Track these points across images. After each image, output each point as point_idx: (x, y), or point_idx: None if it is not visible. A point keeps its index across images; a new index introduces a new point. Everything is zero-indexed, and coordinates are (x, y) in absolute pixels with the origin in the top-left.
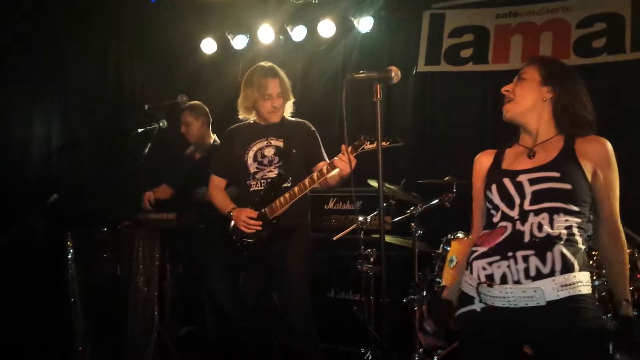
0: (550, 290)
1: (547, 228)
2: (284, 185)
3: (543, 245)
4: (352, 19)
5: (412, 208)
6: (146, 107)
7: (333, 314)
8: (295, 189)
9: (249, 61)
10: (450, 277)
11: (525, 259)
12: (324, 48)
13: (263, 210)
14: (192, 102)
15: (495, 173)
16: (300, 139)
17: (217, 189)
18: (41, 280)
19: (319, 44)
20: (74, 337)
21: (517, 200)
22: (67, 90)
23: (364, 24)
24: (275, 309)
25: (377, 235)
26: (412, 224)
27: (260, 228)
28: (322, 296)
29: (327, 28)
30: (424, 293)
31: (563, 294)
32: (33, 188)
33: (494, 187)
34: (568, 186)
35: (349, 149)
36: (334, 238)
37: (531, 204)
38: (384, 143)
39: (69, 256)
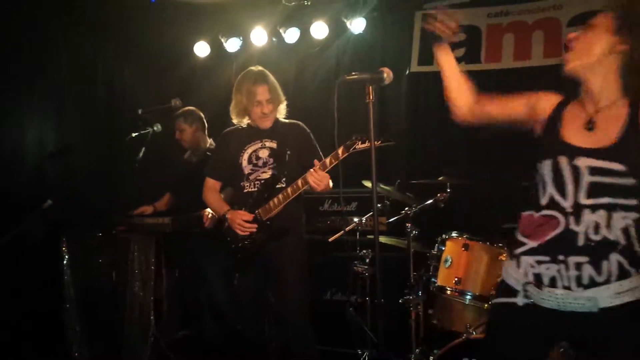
0: (604, 297)
1: (604, 231)
2: (277, 186)
3: (599, 252)
4: (345, 20)
5: (406, 208)
6: (140, 111)
7: (330, 316)
8: (289, 189)
9: (242, 64)
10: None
11: (579, 266)
12: (317, 49)
13: (257, 212)
14: (186, 108)
15: (552, 142)
16: (294, 140)
17: (212, 191)
18: (36, 285)
19: (312, 46)
20: (70, 343)
21: (571, 189)
22: (61, 95)
23: (357, 25)
24: (272, 310)
25: (373, 236)
26: (407, 225)
27: (254, 230)
28: (318, 298)
29: (319, 30)
30: (420, 293)
31: (618, 301)
32: (27, 193)
33: (547, 163)
34: (632, 181)
35: (341, 148)
36: (330, 240)
37: (587, 197)
38: (376, 142)
39: (64, 261)
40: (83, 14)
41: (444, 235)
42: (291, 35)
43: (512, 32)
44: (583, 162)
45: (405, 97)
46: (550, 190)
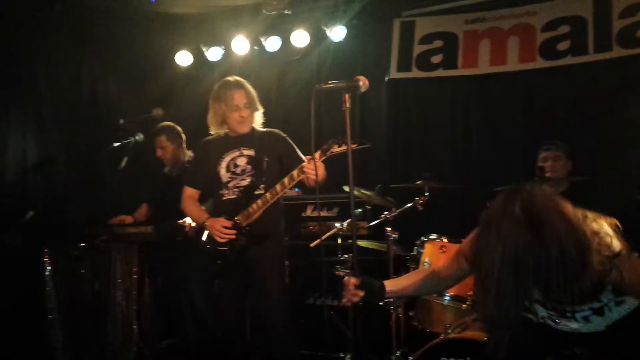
0: (611, 318)
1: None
2: (256, 192)
3: (600, 307)
4: (325, 28)
5: (385, 212)
6: (121, 121)
7: (313, 321)
8: (267, 194)
9: (224, 72)
10: (404, 280)
11: (586, 318)
12: (298, 58)
13: (236, 219)
14: (166, 124)
15: None
16: (271, 147)
17: (191, 200)
18: (19, 297)
19: (293, 54)
20: (53, 354)
21: None
22: (42, 107)
23: (337, 33)
24: (253, 316)
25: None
26: (387, 228)
27: (234, 237)
28: (301, 303)
29: (300, 38)
30: None
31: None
32: (9, 205)
33: None
34: None
35: (318, 152)
36: (311, 245)
37: None
38: (352, 145)
39: (46, 272)
40: (63, 27)
41: (422, 238)
42: (272, 43)
43: (488, 38)
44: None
45: (385, 103)
46: None
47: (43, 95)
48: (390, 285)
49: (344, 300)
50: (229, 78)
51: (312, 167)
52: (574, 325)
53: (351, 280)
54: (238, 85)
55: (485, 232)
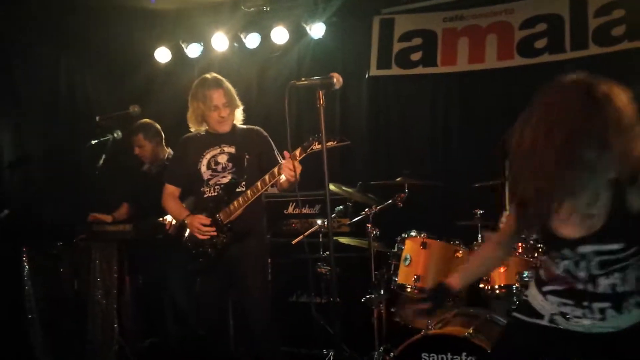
0: (626, 322)
1: (620, 288)
2: (237, 189)
3: (619, 299)
4: (305, 25)
5: (366, 209)
6: (97, 118)
7: (296, 318)
8: (249, 192)
9: (203, 69)
10: (469, 267)
11: (602, 311)
12: (277, 54)
13: (217, 216)
14: (144, 122)
15: (550, 239)
16: (252, 145)
17: (171, 197)
18: None
19: (273, 51)
20: (33, 353)
21: (584, 265)
22: (18, 103)
23: (316, 30)
24: (236, 314)
25: (336, 238)
26: (368, 225)
27: (214, 234)
28: (284, 300)
29: (280, 35)
30: (382, 292)
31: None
32: None
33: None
34: (636, 248)
35: (298, 150)
36: (293, 242)
37: (600, 269)
38: (331, 142)
39: (25, 272)
40: (40, 23)
41: (403, 234)
42: (252, 40)
43: (466, 35)
44: (587, 249)
45: (365, 100)
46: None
47: (19, 92)
48: (459, 281)
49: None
50: (207, 75)
51: (290, 167)
52: (586, 322)
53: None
54: (217, 84)
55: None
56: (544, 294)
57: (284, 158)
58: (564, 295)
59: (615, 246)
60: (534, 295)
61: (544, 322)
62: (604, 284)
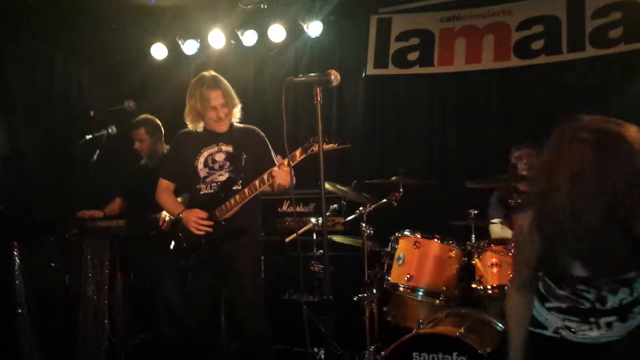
0: (630, 327)
1: (628, 299)
2: (234, 187)
3: (626, 311)
4: (302, 23)
5: (361, 208)
6: (92, 113)
7: (288, 316)
8: (246, 190)
9: (200, 66)
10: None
11: (609, 324)
12: (274, 52)
13: (213, 212)
14: (145, 117)
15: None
16: (249, 144)
17: (166, 192)
18: None
19: (270, 49)
20: (22, 349)
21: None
22: (13, 99)
23: (314, 28)
24: (228, 310)
25: (330, 236)
26: (362, 224)
27: (210, 229)
28: (276, 298)
29: (277, 33)
30: (374, 291)
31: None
32: None
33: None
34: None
35: (298, 151)
36: (286, 240)
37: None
38: (332, 145)
39: (16, 266)
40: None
41: (397, 234)
42: (249, 38)
43: (463, 36)
44: (602, 281)
45: (361, 99)
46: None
47: (14, 88)
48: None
49: None
50: (205, 74)
51: (282, 172)
52: (594, 334)
53: None
54: (215, 84)
55: (549, 158)
56: (547, 309)
57: (274, 163)
58: (568, 312)
59: (631, 274)
60: (536, 308)
61: (549, 333)
62: (612, 300)
